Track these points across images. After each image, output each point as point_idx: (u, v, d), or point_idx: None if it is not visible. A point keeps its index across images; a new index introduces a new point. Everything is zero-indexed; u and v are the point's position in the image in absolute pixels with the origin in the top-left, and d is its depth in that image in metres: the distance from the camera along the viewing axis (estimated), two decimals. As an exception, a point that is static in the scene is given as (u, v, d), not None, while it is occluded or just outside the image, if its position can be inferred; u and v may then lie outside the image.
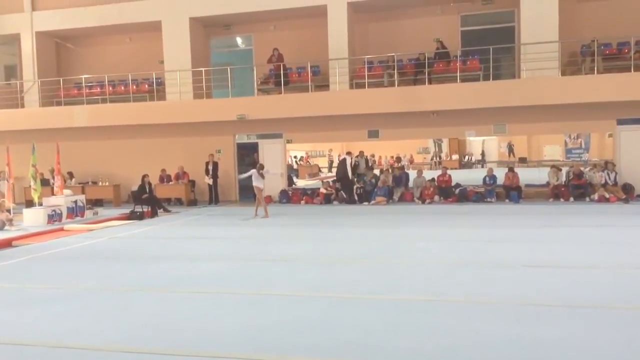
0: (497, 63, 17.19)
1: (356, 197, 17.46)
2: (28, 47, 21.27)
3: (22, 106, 20.93)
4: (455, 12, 18.79)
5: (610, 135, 28.38)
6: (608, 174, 16.37)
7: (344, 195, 17.67)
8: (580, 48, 17.23)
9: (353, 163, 18.56)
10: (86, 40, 22.08)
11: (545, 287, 6.73)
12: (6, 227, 13.25)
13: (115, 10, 20.07)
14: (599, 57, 16.48)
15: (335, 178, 19.41)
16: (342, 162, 18.57)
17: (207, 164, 18.64)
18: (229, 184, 19.47)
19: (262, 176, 14.90)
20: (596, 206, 15.00)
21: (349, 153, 18.97)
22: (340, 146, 36.25)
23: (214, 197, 18.72)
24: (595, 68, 16.29)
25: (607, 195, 15.69)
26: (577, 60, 17.31)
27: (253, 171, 14.92)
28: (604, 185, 16.18)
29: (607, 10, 17.25)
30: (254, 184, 14.78)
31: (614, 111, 16.25)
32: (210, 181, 18.64)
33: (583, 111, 16.30)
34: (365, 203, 17.22)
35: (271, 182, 17.87)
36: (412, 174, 18.89)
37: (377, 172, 19.72)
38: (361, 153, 20.08)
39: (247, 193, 17.74)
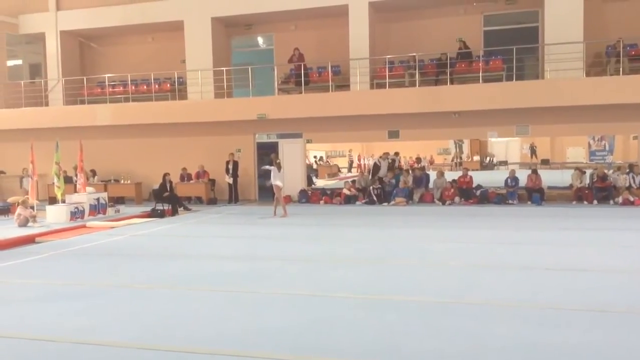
0: (520, 63, 16.99)
1: (375, 198, 17.40)
2: (53, 46, 21.57)
3: (47, 104, 21.23)
4: (478, 12, 18.62)
5: (635, 138, 27.91)
6: (633, 177, 16.11)
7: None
8: (605, 49, 16.95)
9: (389, 163, 18.69)
10: (109, 40, 22.33)
11: (568, 290, 6.63)
12: (29, 224, 13.44)
13: (138, 10, 20.26)
14: (625, 58, 16.19)
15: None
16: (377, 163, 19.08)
17: (227, 163, 18.71)
18: (248, 183, 19.52)
19: (278, 167, 14.88)
20: (620, 209, 14.76)
21: (386, 154, 19.21)
22: (361, 146, 36.15)
23: (233, 196, 18.78)
24: (621, 69, 16.02)
25: (631, 199, 15.44)
26: (602, 61, 17.04)
27: (273, 168, 14.89)
28: (629, 188, 15.91)
29: (633, 10, 16.95)
30: (273, 182, 14.76)
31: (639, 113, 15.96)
32: (231, 180, 18.70)
33: (607, 113, 16.03)
34: (385, 204, 17.15)
35: (290, 181, 17.98)
36: (433, 175, 18.76)
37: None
38: (396, 153, 20.25)
39: (267, 192, 17.73)
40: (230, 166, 18.65)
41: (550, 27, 16.46)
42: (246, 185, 19.46)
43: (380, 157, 19.76)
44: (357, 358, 4.62)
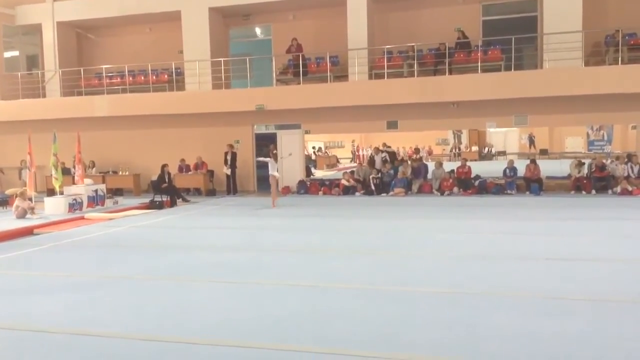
0: (519, 53, 16.92)
1: (373, 189, 17.40)
2: (49, 37, 21.45)
3: (44, 96, 21.15)
4: (476, 2, 18.52)
5: (633, 127, 27.93)
6: (631, 167, 16.12)
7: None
8: (604, 38, 16.91)
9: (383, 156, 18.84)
10: (106, 31, 22.22)
11: (567, 280, 6.65)
12: (28, 216, 13.43)
13: (135, 1, 20.12)
14: (624, 47, 16.15)
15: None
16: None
17: (225, 154, 18.68)
18: (247, 174, 19.50)
19: (275, 158, 15.03)
20: (618, 199, 14.79)
21: (377, 148, 19.90)
22: (359, 137, 36.14)
23: (232, 187, 18.77)
24: (620, 58, 15.97)
25: (629, 188, 15.45)
26: (601, 50, 17.00)
27: (270, 160, 14.96)
28: (627, 177, 15.93)
29: (632, -1, 16.90)
30: (271, 173, 14.82)
31: (638, 102, 15.93)
32: (229, 171, 18.68)
33: (606, 102, 16.01)
34: (384, 194, 17.15)
35: (289, 172, 18.03)
36: (431, 165, 18.76)
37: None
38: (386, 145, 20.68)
39: (265, 184, 17.75)
40: (229, 157, 18.62)
41: (549, 17, 16.39)
42: (245, 177, 19.45)
43: (373, 151, 19.88)
44: (357, 347, 4.62)
